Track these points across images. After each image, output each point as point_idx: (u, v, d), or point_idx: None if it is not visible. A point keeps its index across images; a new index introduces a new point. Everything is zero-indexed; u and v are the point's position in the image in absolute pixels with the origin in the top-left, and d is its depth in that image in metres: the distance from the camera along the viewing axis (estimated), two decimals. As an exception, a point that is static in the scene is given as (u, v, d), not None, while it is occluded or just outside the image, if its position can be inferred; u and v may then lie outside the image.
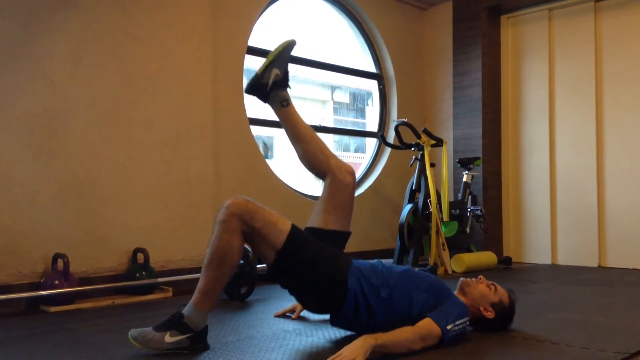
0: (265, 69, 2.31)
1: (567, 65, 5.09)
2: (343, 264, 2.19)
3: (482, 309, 2.30)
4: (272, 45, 4.57)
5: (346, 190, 2.30)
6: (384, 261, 4.45)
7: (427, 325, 2.11)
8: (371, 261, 2.31)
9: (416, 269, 2.41)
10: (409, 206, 4.51)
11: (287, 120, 2.37)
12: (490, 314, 2.31)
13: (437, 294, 2.22)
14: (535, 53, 5.26)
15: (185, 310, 2.07)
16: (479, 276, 2.39)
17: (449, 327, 2.12)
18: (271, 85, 2.32)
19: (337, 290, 2.14)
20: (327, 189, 2.31)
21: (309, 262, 2.12)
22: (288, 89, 2.37)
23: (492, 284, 2.35)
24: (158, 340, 2.02)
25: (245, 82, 4.25)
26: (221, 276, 2.07)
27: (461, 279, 2.37)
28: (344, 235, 2.31)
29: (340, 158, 2.39)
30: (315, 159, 2.34)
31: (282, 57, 2.34)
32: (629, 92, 4.78)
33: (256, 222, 2.06)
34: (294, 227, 2.14)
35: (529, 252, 5.24)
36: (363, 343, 1.92)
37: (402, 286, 2.19)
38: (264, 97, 2.36)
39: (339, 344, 2.22)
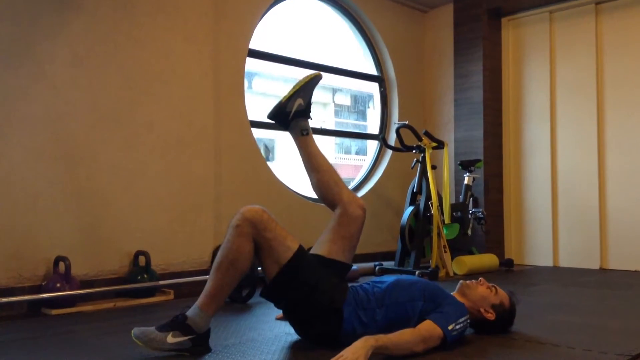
0: (290, 98, 2.38)
1: (568, 68, 5.09)
2: (341, 293, 2.19)
3: (482, 310, 2.30)
4: (273, 48, 4.59)
5: (355, 223, 2.34)
6: (385, 264, 4.45)
7: (427, 326, 2.11)
8: (364, 284, 2.30)
9: (409, 275, 2.40)
10: (410, 208, 4.51)
11: (305, 149, 2.42)
12: (491, 316, 2.31)
13: (432, 297, 2.22)
14: (536, 55, 5.27)
15: (190, 312, 2.07)
16: (479, 278, 2.39)
17: (450, 327, 2.11)
18: (293, 114, 2.39)
19: (332, 318, 2.14)
20: (336, 220, 2.34)
21: (309, 285, 2.12)
22: (309, 120, 2.43)
23: (493, 286, 2.35)
24: (160, 340, 2.03)
25: (246, 84, 4.27)
26: (229, 280, 2.08)
27: (460, 281, 2.38)
28: (345, 267, 2.32)
29: (353, 192, 2.44)
30: (328, 189, 2.38)
31: (307, 89, 2.41)
32: (630, 94, 4.77)
33: (268, 232, 2.08)
34: (301, 247, 2.17)
35: (530, 254, 5.23)
36: (364, 344, 1.92)
37: (396, 303, 2.19)
38: (285, 125, 2.43)
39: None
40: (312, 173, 2.42)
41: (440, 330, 2.09)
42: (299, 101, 2.38)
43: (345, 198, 2.35)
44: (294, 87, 2.40)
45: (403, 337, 2.04)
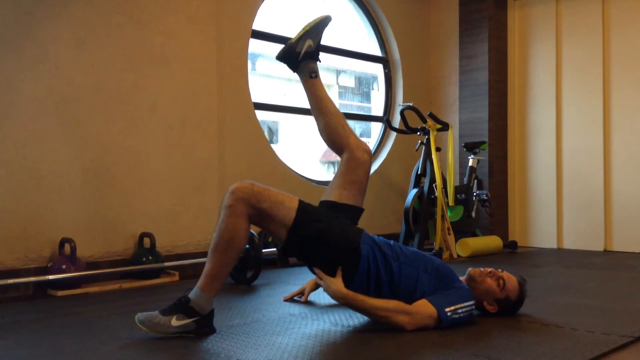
0: (300, 39, 2.36)
1: (574, 48, 5.05)
2: (354, 232, 2.22)
3: (485, 303, 2.30)
4: (277, 28, 4.55)
5: (362, 167, 2.33)
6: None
7: (419, 303, 2.13)
8: (386, 239, 2.33)
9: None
10: (415, 191, 4.50)
11: (313, 92, 2.40)
12: (493, 309, 2.31)
13: (442, 278, 2.23)
14: (542, 36, 5.21)
15: (192, 294, 2.08)
16: (490, 269, 2.32)
17: (447, 309, 2.12)
18: (303, 55, 2.36)
19: (350, 257, 2.16)
20: (343, 165, 2.34)
21: (320, 234, 2.14)
22: (318, 62, 2.41)
23: (501, 279, 2.28)
24: (164, 324, 2.04)
25: (250, 66, 4.24)
26: (228, 260, 2.08)
27: (469, 269, 2.33)
28: (357, 211, 2.33)
29: (358, 137, 2.43)
30: (335, 133, 2.37)
31: (317, 30, 2.38)
32: (636, 75, 4.73)
33: (263, 203, 2.07)
34: (301, 202, 2.16)
35: (534, 236, 5.23)
36: (347, 291, 2.11)
37: (411, 265, 2.21)
38: (294, 66, 2.40)
39: (345, 327, 2.23)
40: (320, 117, 2.40)
41: (434, 309, 2.11)
42: (309, 42, 2.35)
43: (352, 142, 2.34)
44: (303, 28, 2.37)
45: (384, 303, 2.13)
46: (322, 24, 2.39)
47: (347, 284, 2.15)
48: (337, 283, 2.12)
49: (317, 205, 2.30)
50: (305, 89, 2.42)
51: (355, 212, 2.32)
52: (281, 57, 2.40)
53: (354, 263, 2.15)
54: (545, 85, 5.19)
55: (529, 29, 5.32)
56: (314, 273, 2.25)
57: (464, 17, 5.37)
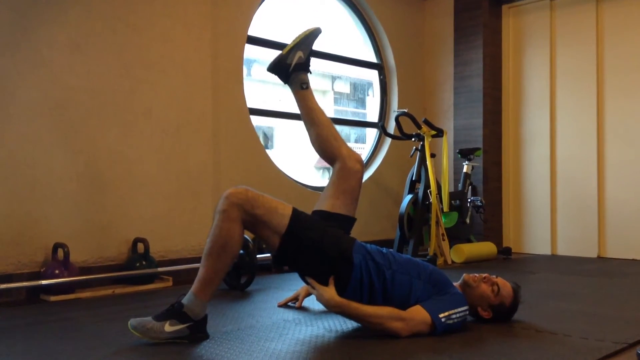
0: (290, 50, 2.38)
1: (568, 56, 5.08)
2: (347, 241, 2.21)
3: (479, 309, 2.30)
4: (272, 34, 4.56)
5: (354, 177, 2.34)
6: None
7: (413, 310, 2.13)
8: (379, 247, 2.33)
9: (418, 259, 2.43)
10: (409, 197, 4.51)
11: (304, 103, 2.42)
12: (487, 315, 2.31)
13: (436, 284, 2.23)
14: (536, 43, 5.24)
15: (185, 300, 2.07)
16: (484, 275, 2.32)
17: (441, 315, 2.12)
18: (293, 67, 2.38)
19: (343, 267, 2.15)
20: (335, 175, 2.35)
21: (314, 243, 2.13)
22: (309, 74, 2.43)
23: (496, 285, 2.29)
24: (158, 329, 2.03)
25: (245, 72, 4.25)
26: (221, 266, 2.08)
27: (464, 275, 2.34)
28: (350, 220, 2.33)
29: (350, 147, 2.43)
30: (327, 143, 2.38)
31: (307, 42, 2.41)
32: (630, 82, 4.76)
33: (257, 209, 2.07)
34: (295, 210, 2.16)
35: (528, 242, 5.25)
36: (340, 299, 2.10)
37: (404, 272, 2.21)
38: (285, 78, 2.42)
39: (338, 333, 2.23)
40: (312, 127, 2.41)
41: (427, 315, 2.11)
42: (299, 54, 2.38)
43: (344, 152, 2.35)
44: (293, 40, 2.39)
45: (378, 310, 2.12)
46: (312, 35, 2.42)
47: (341, 293, 2.15)
48: (330, 292, 2.12)
49: (311, 214, 2.30)
50: (296, 100, 2.44)
51: (347, 221, 2.32)
52: (272, 68, 2.42)
53: (347, 272, 2.15)
54: (539, 92, 5.21)
55: (523, 37, 5.35)
56: (306, 282, 2.24)
57: (459, 24, 5.40)
